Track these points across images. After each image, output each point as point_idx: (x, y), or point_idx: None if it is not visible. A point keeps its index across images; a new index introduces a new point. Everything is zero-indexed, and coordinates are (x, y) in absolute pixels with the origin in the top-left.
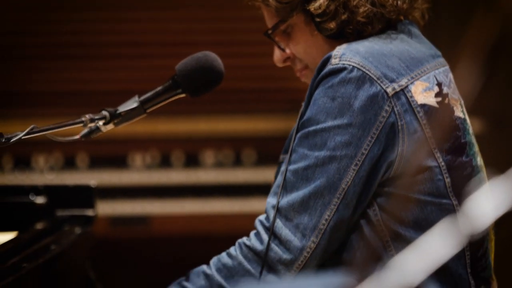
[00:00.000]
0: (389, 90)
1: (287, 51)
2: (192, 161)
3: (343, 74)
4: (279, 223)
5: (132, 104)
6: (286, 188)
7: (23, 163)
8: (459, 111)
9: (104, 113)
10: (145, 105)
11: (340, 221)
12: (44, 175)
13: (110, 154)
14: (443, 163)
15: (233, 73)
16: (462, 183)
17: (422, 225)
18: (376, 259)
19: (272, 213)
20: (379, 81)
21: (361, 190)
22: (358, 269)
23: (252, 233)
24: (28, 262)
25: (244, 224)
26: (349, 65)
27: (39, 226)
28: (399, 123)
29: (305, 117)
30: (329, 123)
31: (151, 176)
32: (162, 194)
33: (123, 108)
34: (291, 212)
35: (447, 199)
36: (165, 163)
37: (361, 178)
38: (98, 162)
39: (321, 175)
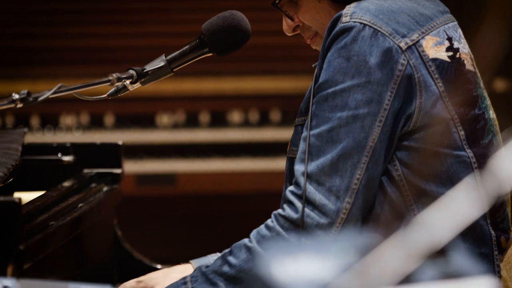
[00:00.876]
0: (402, 44)
1: (295, 19)
2: (219, 120)
3: (354, 32)
4: (311, 189)
5: (159, 63)
6: (312, 153)
7: (50, 122)
8: (470, 65)
9: (131, 72)
10: (172, 64)
11: (371, 179)
12: (72, 133)
13: (137, 113)
14: (456, 116)
15: (260, 32)
16: (476, 136)
17: (442, 179)
18: (399, 216)
19: (302, 180)
20: (391, 37)
21: (387, 146)
22: (382, 227)
23: (285, 204)
24: (56, 220)
25: (270, 182)
26: (360, 23)
27: (67, 184)
28: (415, 76)
29: (321, 80)
30: (348, 83)
31: (177, 135)
32: (189, 153)
33: (150, 67)
34: (322, 176)
35: (463, 151)
36: (191, 122)
37: (386, 134)
38: (125, 121)
39: (346, 135)
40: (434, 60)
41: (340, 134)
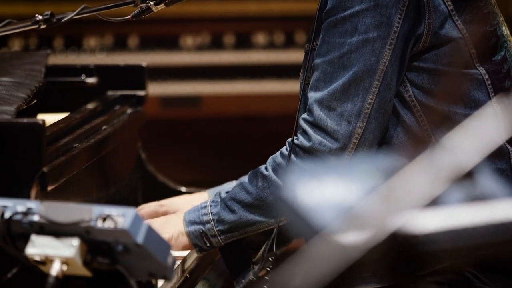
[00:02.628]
0: None
1: None
2: (243, 42)
3: None
4: (322, 115)
5: None
6: (324, 79)
7: (74, 43)
8: None
9: None
10: None
11: (383, 103)
12: (95, 55)
13: (161, 35)
14: (467, 34)
15: None
16: (488, 53)
17: (454, 98)
18: (415, 139)
19: (314, 107)
20: None
21: (399, 68)
22: (398, 151)
23: (299, 132)
24: (80, 142)
25: (294, 104)
26: None
27: (90, 106)
28: None
29: (328, 6)
30: (356, 7)
31: (202, 57)
32: (213, 75)
33: None
34: (333, 102)
35: (474, 69)
36: (216, 44)
37: (397, 56)
38: (149, 43)
39: (357, 60)
40: None
41: (351, 59)
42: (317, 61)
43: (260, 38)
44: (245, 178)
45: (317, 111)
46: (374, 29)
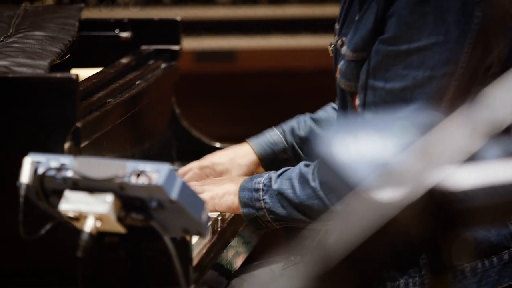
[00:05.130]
0: None
1: None
2: None
3: None
4: None
5: None
6: (382, 106)
7: None
8: None
9: None
10: None
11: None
12: (129, 9)
13: None
14: None
15: None
16: None
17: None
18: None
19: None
20: None
21: (463, 100)
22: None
23: None
24: (114, 97)
25: (330, 58)
26: None
27: (124, 61)
28: (492, 25)
29: (391, 34)
30: (424, 41)
31: (236, 11)
32: (248, 29)
33: None
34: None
35: None
36: None
37: (462, 90)
38: None
39: (421, 96)
40: None
41: (414, 94)
42: (373, 83)
43: None
44: (295, 174)
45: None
46: (442, 66)
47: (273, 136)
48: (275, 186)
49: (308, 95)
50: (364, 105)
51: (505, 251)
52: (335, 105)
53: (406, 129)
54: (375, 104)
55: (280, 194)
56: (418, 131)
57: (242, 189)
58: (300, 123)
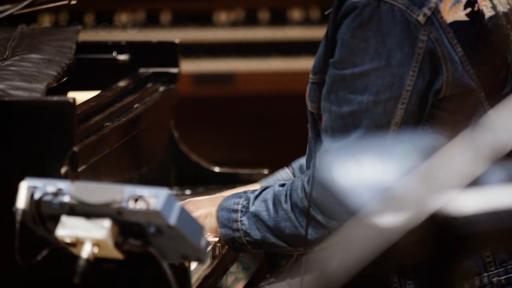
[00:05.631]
0: (420, 18)
1: None
2: (279, 18)
3: (369, 11)
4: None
5: None
6: (337, 130)
7: (105, 19)
8: (489, 9)
9: None
10: None
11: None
12: (127, 31)
13: (194, 10)
14: (476, 79)
15: None
16: (497, 89)
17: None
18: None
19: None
20: (408, 10)
21: (414, 123)
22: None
23: (303, 182)
24: (111, 121)
25: None
26: None
27: (122, 84)
28: (438, 50)
29: (336, 58)
30: (367, 66)
31: (236, 33)
32: (248, 52)
33: None
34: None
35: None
36: (250, 20)
37: (411, 113)
38: (182, 19)
39: (368, 120)
40: (452, 24)
41: (362, 118)
42: (327, 105)
43: (296, 13)
44: (269, 196)
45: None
46: (386, 90)
47: (283, 174)
48: (252, 208)
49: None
50: (326, 130)
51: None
52: None
53: (409, 153)
54: (331, 127)
55: (256, 217)
56: (421, 155)
57: (220, 208)
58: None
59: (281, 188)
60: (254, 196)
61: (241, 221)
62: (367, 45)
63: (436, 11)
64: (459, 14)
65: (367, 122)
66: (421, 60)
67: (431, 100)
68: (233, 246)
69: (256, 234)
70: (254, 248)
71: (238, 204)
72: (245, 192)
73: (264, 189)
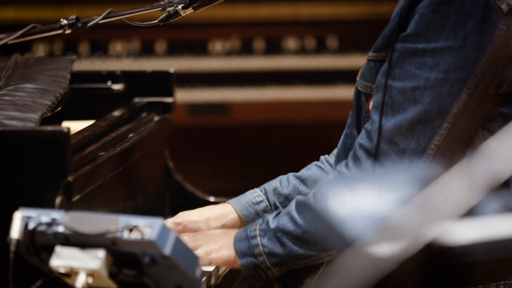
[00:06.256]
0: (503, 6)
1: None
2: (274, 47)
3: None
4: (383, 148)
5: None
6: (392, 106)
7: (100, 49)
8: None
9: None
10: None
11: (450, 146)
12: (122, 61)
13: (189, 40)
14: None
15: None
16: None
17: None
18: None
19: (376, 136)
20: None
21: (473, 113)
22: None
23: (351, 159)
24: (106, 151)
25: (327, 111)
26: None
27: (117, 113)
28: None
29: (410, 31)
30: (441, 43)
31: (231, 63)
32: (243, 81)
33: None
34: (397, 136)
35: None
36: (245, 49)
37: (474, 101)
38: (177, 48)
39: (431, 98)
40: None
41: (425, 95)
42: (386, 81)
43: (291, 43)
44: (292, 207)
45: (378, 141)
46: (456, 71)
47: (255, 195)
48: (273, 225)
49: (303, 148)
50: (377, 106)
51: None
52: (319, 163)
53: (405, 183)
54: (387, 104)
55: (280, 231)
56: (417, 184)
57: (237, 240)
58: (283, 182)
59: (303, 197)
60: (273, 216)
61: (262, 244)
62: (445, 23)
63: None
64: None
65: (430, 99)
66: (495, 50)
67: (493, 92)
68: (257, 275)
69: (280, 251)
70: (280, 270)
71: (255, 230)
72: (259, 220)
73: (281, 210)
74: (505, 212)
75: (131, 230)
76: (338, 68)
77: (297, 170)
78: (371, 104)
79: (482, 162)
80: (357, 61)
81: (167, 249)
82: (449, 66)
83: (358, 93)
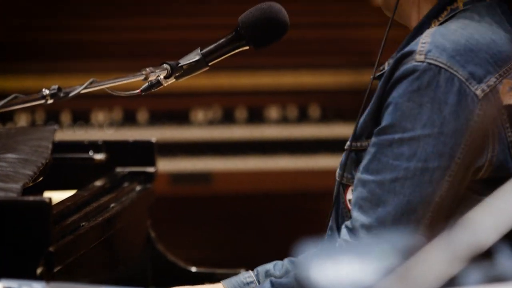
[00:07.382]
0: (478, 92)
1: None
2: (256, 117)
3: (429, 76)
4: (370, 241)
5: (194, 56)
6: (372, 201)
7: (82, 118)
8: None
9: (165, 66)
10: (207, 58)
11: (435, 231)
12: (104, 130)
13: (171, 109)
14: None
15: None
16: None
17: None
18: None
19: (361, 232)
20: (467, 83)
21: (453, 199)
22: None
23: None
24: (87, 221)
25: (309, 181)
26: (436, 65)
27: (99, 183)
28: (490, 127)
29: (386, 123)
30: (418, 131)
31: (213, 132)
32: (225, 151)
33: (185, 61)
34: (383, 230)
35: None
36: (227, 118)
37: (455, 187)
38: (158, 117)
39: (412, 189)
40: (508, 107)
41: (405, 186)
42: (364, 176)
43: (273, 112)
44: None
45: (364, 236)
46: (435, 159)
47: (246, 276)
48: (277, 284)
49: (286, 218)
50: (355, 203)
51: None
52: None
53: (387, 253)
54: (364, 199)
55: None
56: (399, 255)
57: None
58: (277, 265)
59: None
60: (269, 281)
61: None
62: (421, 111)
63: (494, 90)
64: None
65: (411, 190)
66: (473, 135)
67: (469, 178)
68: None
69: None
70: None
71: None
72: None
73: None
74: (487, 282)
75: None
76: (320, 137)
77: (278, 239)
78: (348, 196)
79: (463, 232)
80: (339, 130)
81: None
82: (427, 154)
83: (337, 184)
